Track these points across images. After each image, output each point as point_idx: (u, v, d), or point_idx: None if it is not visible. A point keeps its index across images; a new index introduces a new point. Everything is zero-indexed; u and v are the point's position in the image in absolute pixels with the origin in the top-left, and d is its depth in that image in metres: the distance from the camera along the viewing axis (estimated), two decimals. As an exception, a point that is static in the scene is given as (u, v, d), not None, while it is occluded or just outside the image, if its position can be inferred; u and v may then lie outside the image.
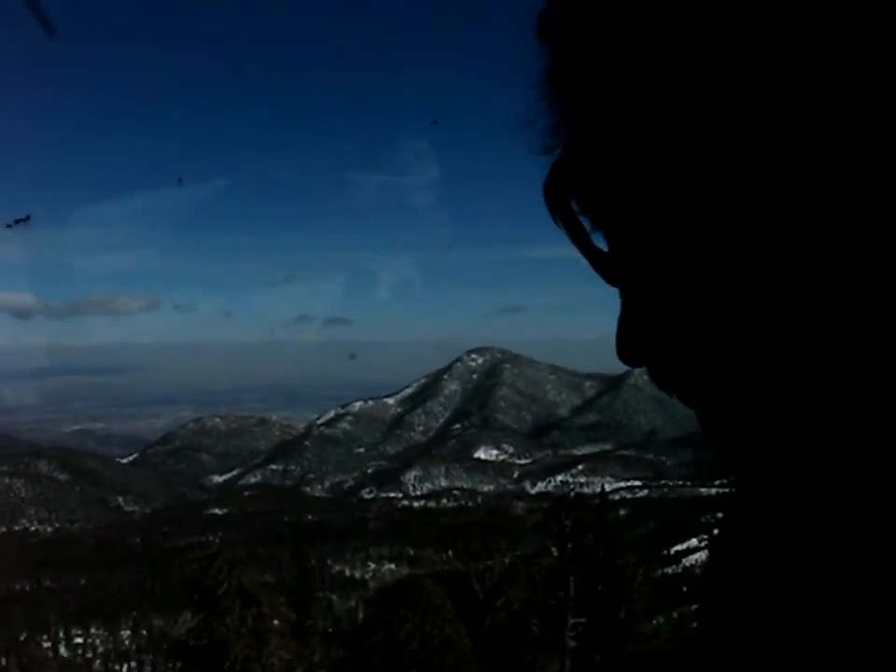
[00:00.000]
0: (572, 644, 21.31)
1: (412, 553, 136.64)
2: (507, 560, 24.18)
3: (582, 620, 21.36)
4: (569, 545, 22.31)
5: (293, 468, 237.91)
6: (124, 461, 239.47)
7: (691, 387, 0.59)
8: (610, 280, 0.63)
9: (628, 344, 0.61)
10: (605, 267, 0.63)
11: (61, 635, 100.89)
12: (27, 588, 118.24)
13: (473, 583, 23.51)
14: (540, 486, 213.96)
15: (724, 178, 0.52)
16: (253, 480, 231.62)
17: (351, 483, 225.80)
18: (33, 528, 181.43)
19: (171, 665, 18.71)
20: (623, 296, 0.62)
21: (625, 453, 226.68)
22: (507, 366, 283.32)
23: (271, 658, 18.06)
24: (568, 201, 0.62)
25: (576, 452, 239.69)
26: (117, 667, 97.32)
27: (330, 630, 62.33)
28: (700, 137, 0.53)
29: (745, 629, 0.56)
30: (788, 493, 0.56)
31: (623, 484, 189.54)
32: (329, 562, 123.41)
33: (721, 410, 0.58)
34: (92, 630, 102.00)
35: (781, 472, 0.56)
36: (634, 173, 0.57)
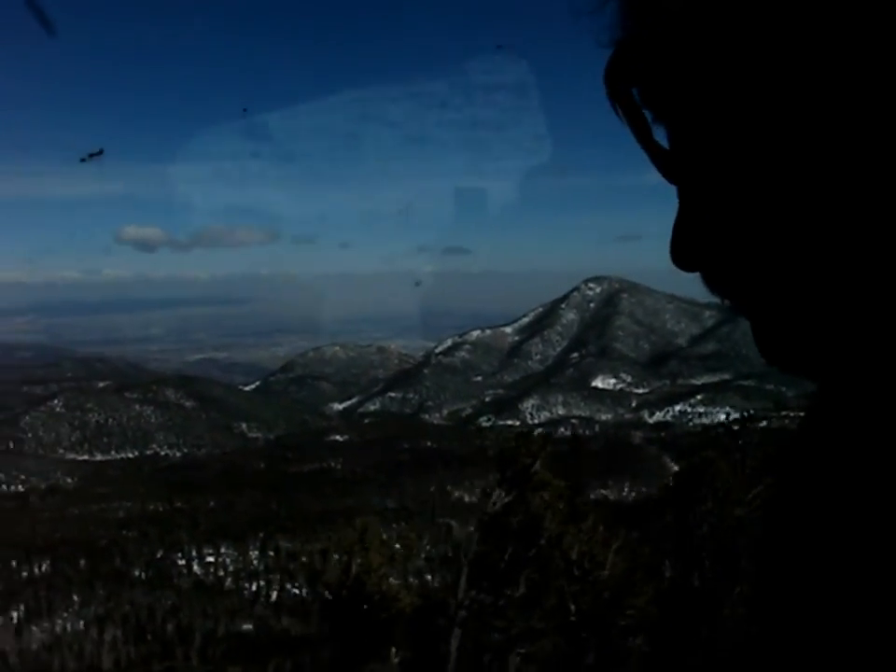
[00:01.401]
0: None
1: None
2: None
3: None
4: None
5: (412, 395, 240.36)
6: (247, 389, 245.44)
7: (747, 290, 0.57)
8: (669, 176, 0.61)
9: (684, 246, 0.59)
10: (664, 161, 0.60)
11: (193, 553, 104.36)
12: (160, 509, 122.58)
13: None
14: (658, 416, 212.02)
15: (796, 78, 0.50)
16: (372, 408, 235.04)
17: (469, 410, 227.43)
18: (163, 453, 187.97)
19: (483, 539, 19.10)
20: (680, 194, 0.60)
21: (745, 383, 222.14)
22: (624, 295, 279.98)
23: (588, 534, 18.18)
24: (630, 88, 0.59)
25: (694, 381, 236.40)
26: (247, 585, 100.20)
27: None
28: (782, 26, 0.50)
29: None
30: (861, 392, 0.54)
31: (742, 415, 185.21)
32: (449, 488, 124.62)
33: (777, 310, 0.55)
34: (222, 549, 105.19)
35: (856, 369, 0.54)
36: (703, 58, 0.53)
